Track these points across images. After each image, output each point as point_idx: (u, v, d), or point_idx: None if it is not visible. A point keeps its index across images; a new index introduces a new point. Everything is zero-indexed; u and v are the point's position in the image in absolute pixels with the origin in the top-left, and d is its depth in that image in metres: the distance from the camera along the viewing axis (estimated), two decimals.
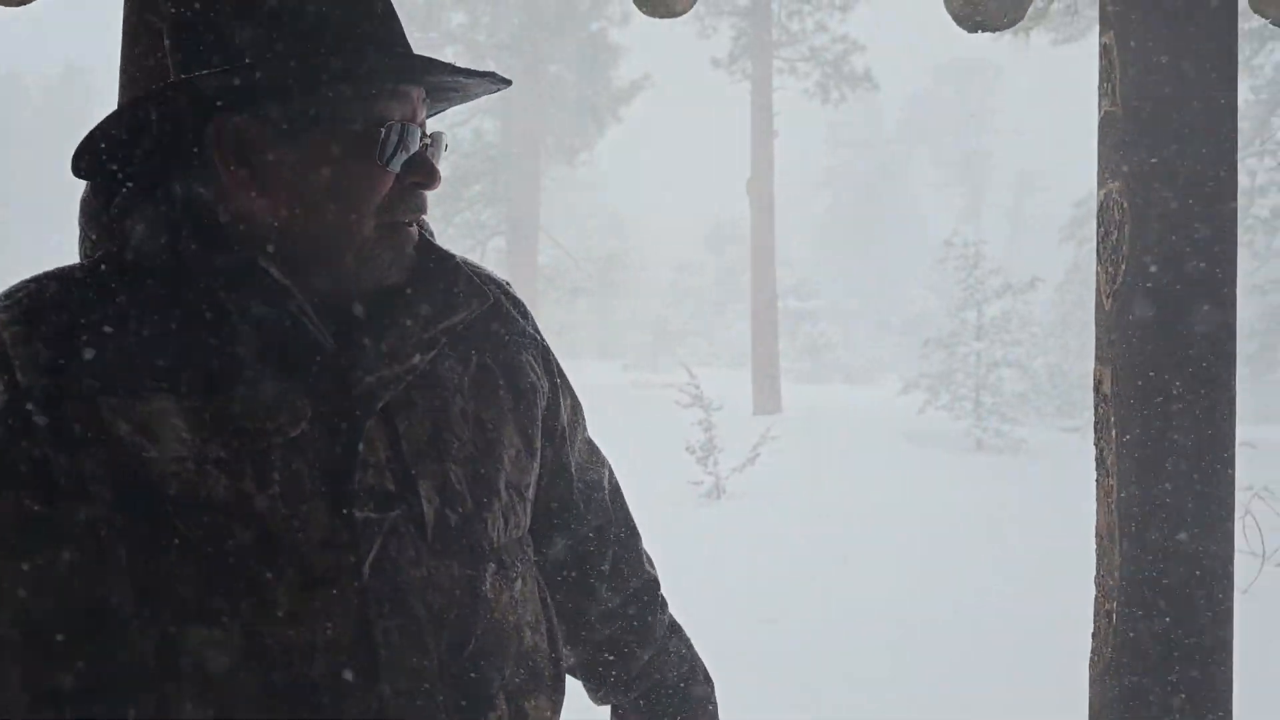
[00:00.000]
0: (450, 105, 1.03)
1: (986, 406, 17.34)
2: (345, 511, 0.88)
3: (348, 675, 0.87)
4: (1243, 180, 17.96)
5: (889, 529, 9.19)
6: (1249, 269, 20.86)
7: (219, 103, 0.89)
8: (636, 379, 25.70)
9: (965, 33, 2.30)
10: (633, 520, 1.21)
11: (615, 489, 1.21)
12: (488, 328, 1.04)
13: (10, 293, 0.89)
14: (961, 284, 18.59)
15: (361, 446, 0.89)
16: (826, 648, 5.55)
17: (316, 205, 0.90)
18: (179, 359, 0.87)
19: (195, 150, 0.92)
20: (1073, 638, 2.42)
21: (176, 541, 0.84)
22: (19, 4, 1.92)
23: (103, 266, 0.91)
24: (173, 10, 0.93)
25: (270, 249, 0.90)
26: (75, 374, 0.85)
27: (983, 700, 4.60)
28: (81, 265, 0.94)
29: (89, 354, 0.86)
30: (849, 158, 47.65)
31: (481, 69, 0.96)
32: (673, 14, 2.29)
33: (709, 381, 13.89)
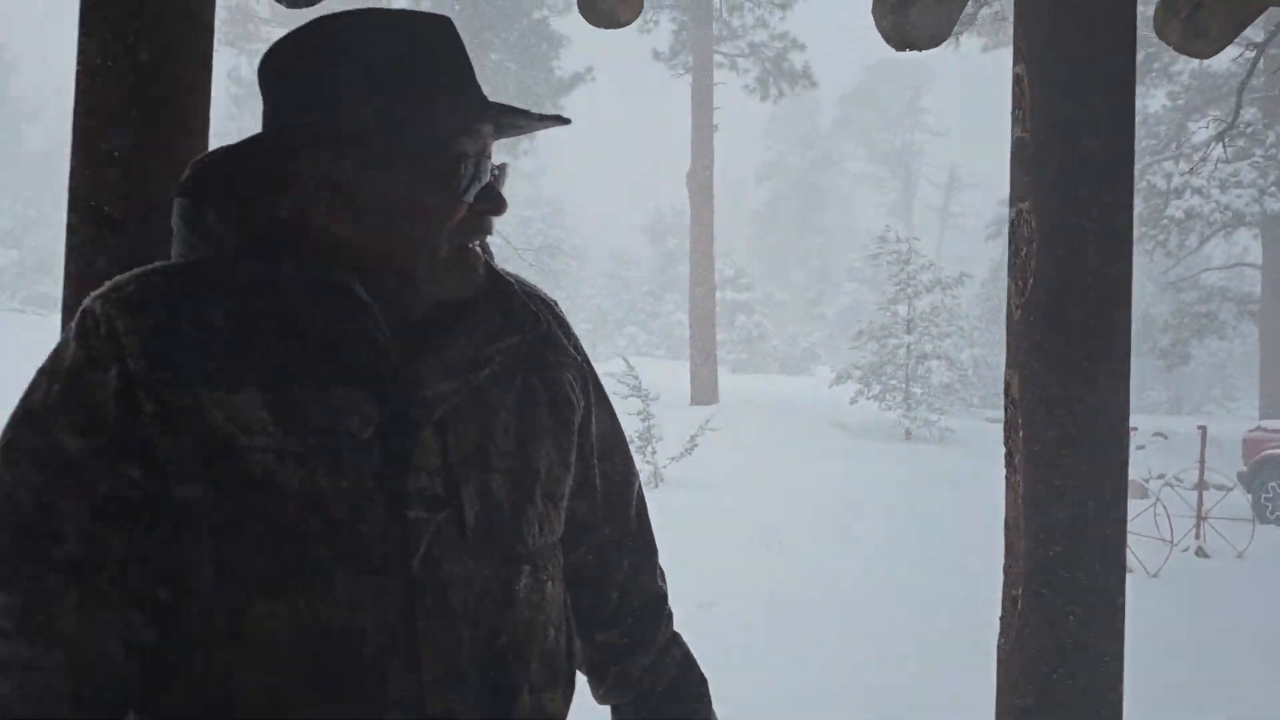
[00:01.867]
0: (512, 136, 1.15)
1: (916, 397, 17.81)
2: (401, 511, 0.97)
3: (392, 659, 0.96)
4: (1159, 183, 18.58)
5: (822, 516, 9.42)
6: (1163, 268, 21.60)
7: (310, 142, 1.00)
8: None
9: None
10: (651, 535, 1.29)
11: (640, 503, 1.28)
12: (535, 348, 1.12)
13: (119, 285, 0.99)
14: (894, 278, 19.01)
15: (417, 453, 0.99)
16: (760, 631, 5.72)
17: (396, 230, 1.00)
18: (267, 359, 0.96)
19: (284, 178, 1.02)
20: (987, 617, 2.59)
21: (255, 524, 0.94)
22: None
23: (198, 268, 1.01)
24: (271, 62, 1.04)
25: (352, 266, 1.00)
26: (178, 365, 0.95)
27: (905, 680, 4.80)
28: (179, 264, 1.03)
29: (188, 346, 0.95)
30: (786, 152, 48.18)
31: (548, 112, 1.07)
32: (617, 24, 2.39)
33: (647, 371, 14.04)
